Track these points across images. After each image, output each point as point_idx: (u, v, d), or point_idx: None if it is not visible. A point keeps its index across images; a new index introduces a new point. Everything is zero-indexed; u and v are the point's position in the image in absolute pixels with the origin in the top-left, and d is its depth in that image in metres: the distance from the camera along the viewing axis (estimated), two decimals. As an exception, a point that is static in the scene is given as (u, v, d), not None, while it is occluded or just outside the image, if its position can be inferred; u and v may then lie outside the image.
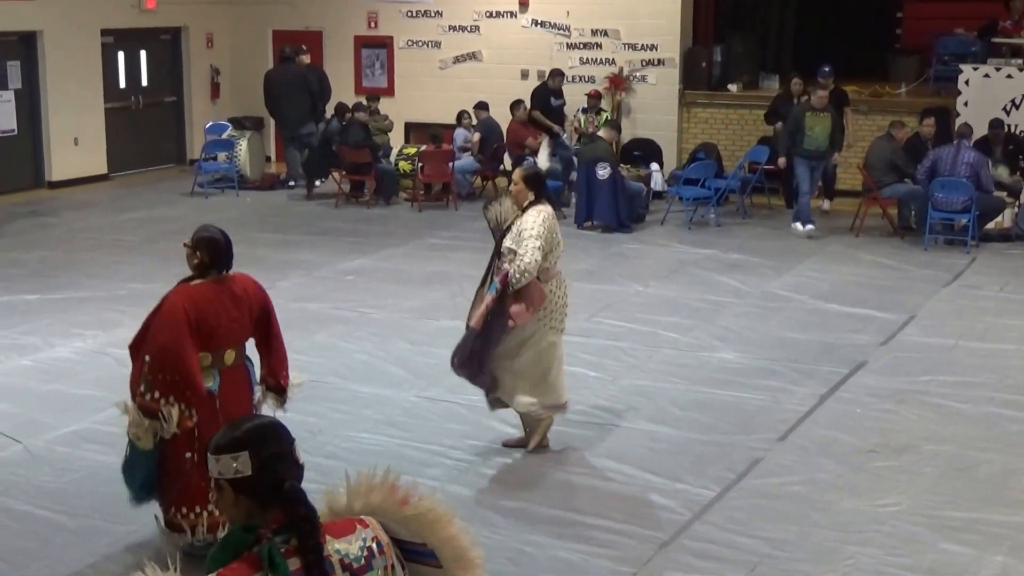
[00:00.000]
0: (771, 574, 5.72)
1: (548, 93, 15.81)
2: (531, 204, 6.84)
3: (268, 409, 5.91)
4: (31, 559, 5.83)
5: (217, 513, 5.44)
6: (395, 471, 2.86)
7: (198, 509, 5.56)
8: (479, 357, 6.86)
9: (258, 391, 5.88)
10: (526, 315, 6.78)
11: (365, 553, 2.70)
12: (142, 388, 5.42)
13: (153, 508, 5.80)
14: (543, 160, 6.58)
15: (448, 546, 2.85)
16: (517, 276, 6.65)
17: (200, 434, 5.46)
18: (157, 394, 5.39)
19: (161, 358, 5.40)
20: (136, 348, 5.57)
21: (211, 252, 5.61)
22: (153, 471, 5.58)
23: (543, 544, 6.00)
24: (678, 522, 6.26)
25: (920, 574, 5.73)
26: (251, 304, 5.69)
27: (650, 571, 5.76)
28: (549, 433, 7.25)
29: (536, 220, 6.72)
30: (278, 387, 5.91)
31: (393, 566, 2.77)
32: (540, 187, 6.95)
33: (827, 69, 14.22)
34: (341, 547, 2.67)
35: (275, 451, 2.67)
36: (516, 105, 15.69)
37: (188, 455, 5.49)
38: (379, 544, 2.75)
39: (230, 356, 5.64)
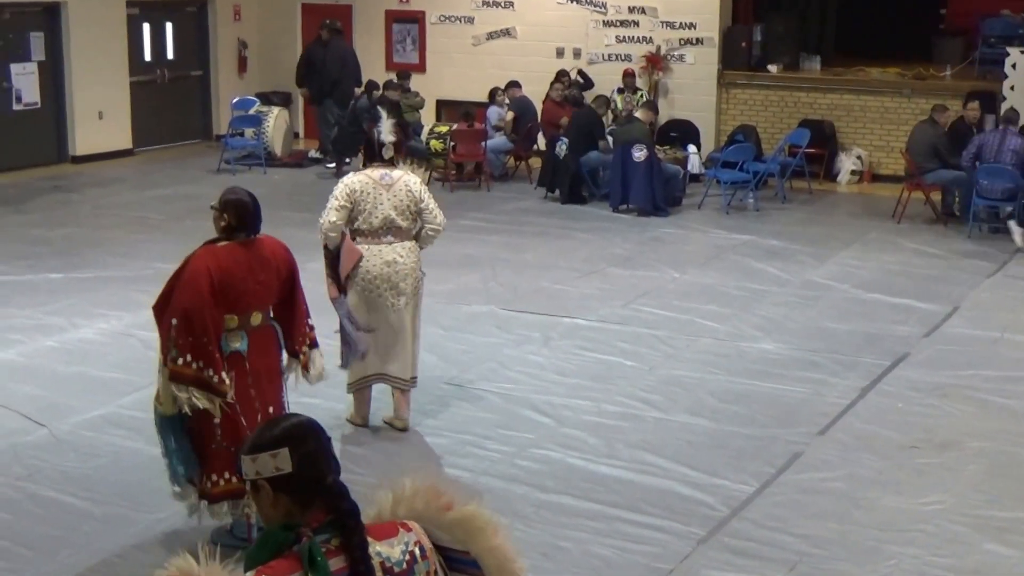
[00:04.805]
0: (811, 574, 5.59)
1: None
2: (364, 167, 7.13)
3: (292, 377, 5.91)
4: (58, 547, 5.75)
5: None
6: (438, 475, 2.79)
7: (227, 475, 5.48)
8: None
9: (285, 356, 5.85)
10: (345, 271, 6.99)
11: (407, 557, 2.64)
12: (172, 354, 5.34)
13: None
14: (387, 132, 6.90)
15: (492, 555, 2.77)
16: (320, 236, 6.99)
17: (234, 399, 5.41)
18: (189, 358, 5.32)
19: (185, 322, 5.32)
20: (160, 310, 5.50)
21: (238, 214, 5.53)
22: (188, 443, 5.50)
23: (577, 539, 5.89)
24: (716, 518, 6.15)
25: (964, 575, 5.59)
26: (278, 267, 5.65)
27: (687, 569, 5.64)
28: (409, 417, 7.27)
29: (344, 180, 7.03)
30: (293, 352, 5.87)
31: (436, 572, 2.71)
32: (369, 150, 7.15)
33: None
34: (383, 550, 2.62)
35: (314, 447, 2.63)
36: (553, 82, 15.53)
37: (216, 420, 5.43)
38: (422, 549, 2.68)
39: (256, 318, 5.59)
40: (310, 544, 2.51)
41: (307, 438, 2.64)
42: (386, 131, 7.11)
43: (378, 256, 6.98)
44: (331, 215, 6.91)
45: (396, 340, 7.08)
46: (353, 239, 7.00)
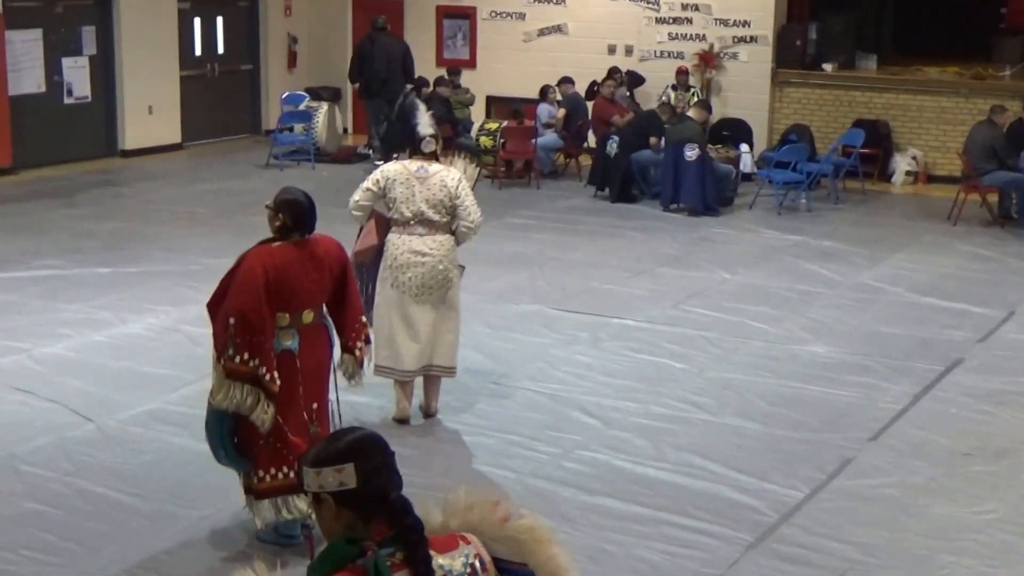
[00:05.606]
0: (861, 583, 5.52)
1: None
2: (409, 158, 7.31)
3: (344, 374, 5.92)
4: (105, 543, 5.76)
5: (293, 475, 5.36)
6: (486, 483, 2.77)
7: (273, 471, 5.50)
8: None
9: (337, 352, 5.85)
10: (363, 250, 7.25)
11: (468, 570, 2.65)
12: (230, 352, 5.36)
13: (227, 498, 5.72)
14: (424, 125, 7.07)
15: (548, 567, 2.76)
16: (349, 210, 7.26)
17: (281, 396, 5.41)
18: (247, 355, 5.34)
19: (242, 322, 5.35)
20: (214, 307, 5.52)
21: (293, 214, 5.54)
22: (230, 438, 5.51)
23: (624, 543, 5.83)
24: (765, 524, 6.07)
25: (1018, 587, 5.51)
26: (331, 265, 5.66)
27: (735, 574, 5.58)
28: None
29: (381, 167, 7.30)
30: (347, 349, 5.89)
31: None
32: (413, 144, 7.27)
33: None
34: (444, 563, 2.62)
35: (378, 463, 2.63)
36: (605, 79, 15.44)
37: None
38: (482, 561, 2.68)
39: (308, 316, 5.59)
40: (376, 559, 2.51)
41: (373, 454, 2.63)
42: (423, 124, 7.14)
43: (407, 245, 7.05)
44: (357, 194, 7.14)
45: (420, 330, 7.11)
46: (389, 227, 7.11)
